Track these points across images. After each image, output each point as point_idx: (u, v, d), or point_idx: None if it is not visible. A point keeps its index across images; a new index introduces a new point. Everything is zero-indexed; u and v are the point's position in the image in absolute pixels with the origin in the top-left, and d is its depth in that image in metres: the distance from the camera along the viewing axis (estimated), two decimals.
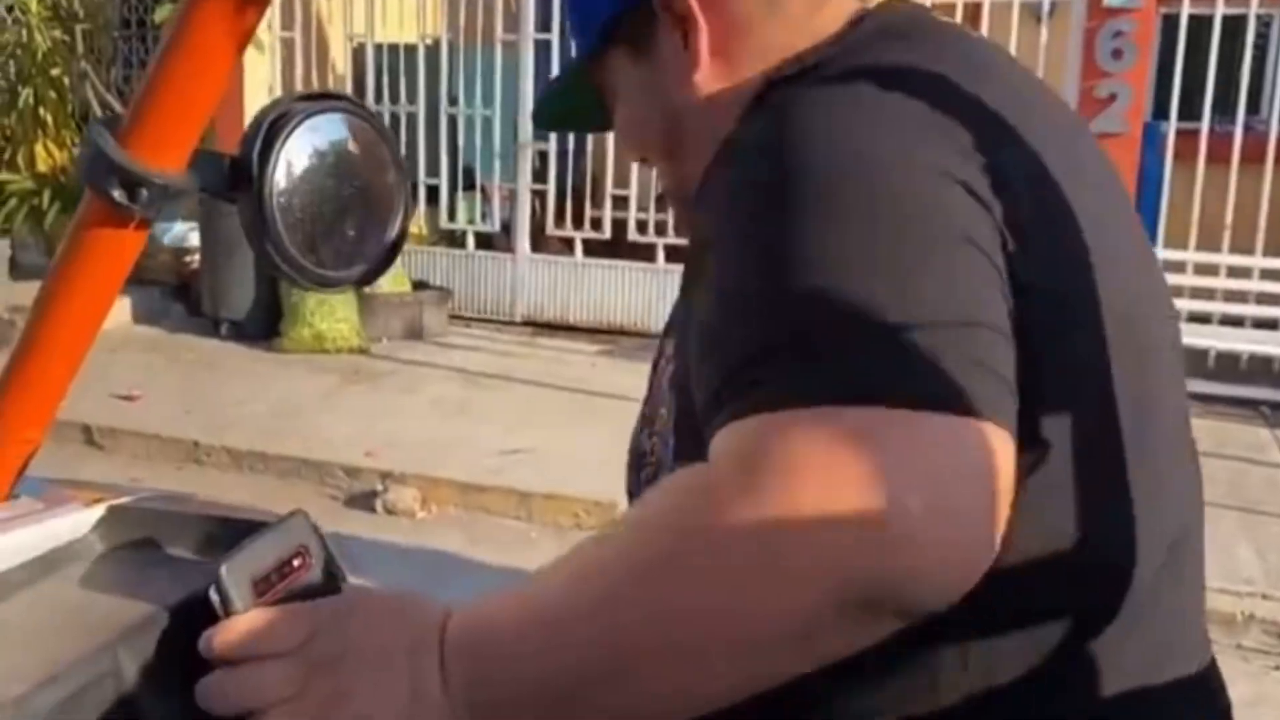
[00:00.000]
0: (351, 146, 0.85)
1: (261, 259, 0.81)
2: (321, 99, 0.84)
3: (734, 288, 0.68)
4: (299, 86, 7.06)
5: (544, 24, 6.83)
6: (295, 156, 0.81)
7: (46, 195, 7.31)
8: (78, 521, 0.84)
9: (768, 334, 0.65)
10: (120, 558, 0.82)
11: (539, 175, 7.03)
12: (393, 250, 0.90)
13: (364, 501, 4.48)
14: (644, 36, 0.84)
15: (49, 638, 0.72)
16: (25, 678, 0.64)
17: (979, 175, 0.68)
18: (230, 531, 0.81)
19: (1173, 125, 6.02)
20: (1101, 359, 0.73)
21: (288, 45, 7.24)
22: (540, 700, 0.64)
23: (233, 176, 0.80)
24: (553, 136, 6.82)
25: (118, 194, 0.75)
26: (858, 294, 0.64)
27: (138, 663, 0.70)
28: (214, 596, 0.68)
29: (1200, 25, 5.91)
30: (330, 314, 6.28)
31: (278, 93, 6.92)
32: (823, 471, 0.59)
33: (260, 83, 7.03)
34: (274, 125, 0.80)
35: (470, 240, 7.18)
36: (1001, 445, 0.62)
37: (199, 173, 0.80)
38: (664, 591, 0.61)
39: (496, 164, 7.09)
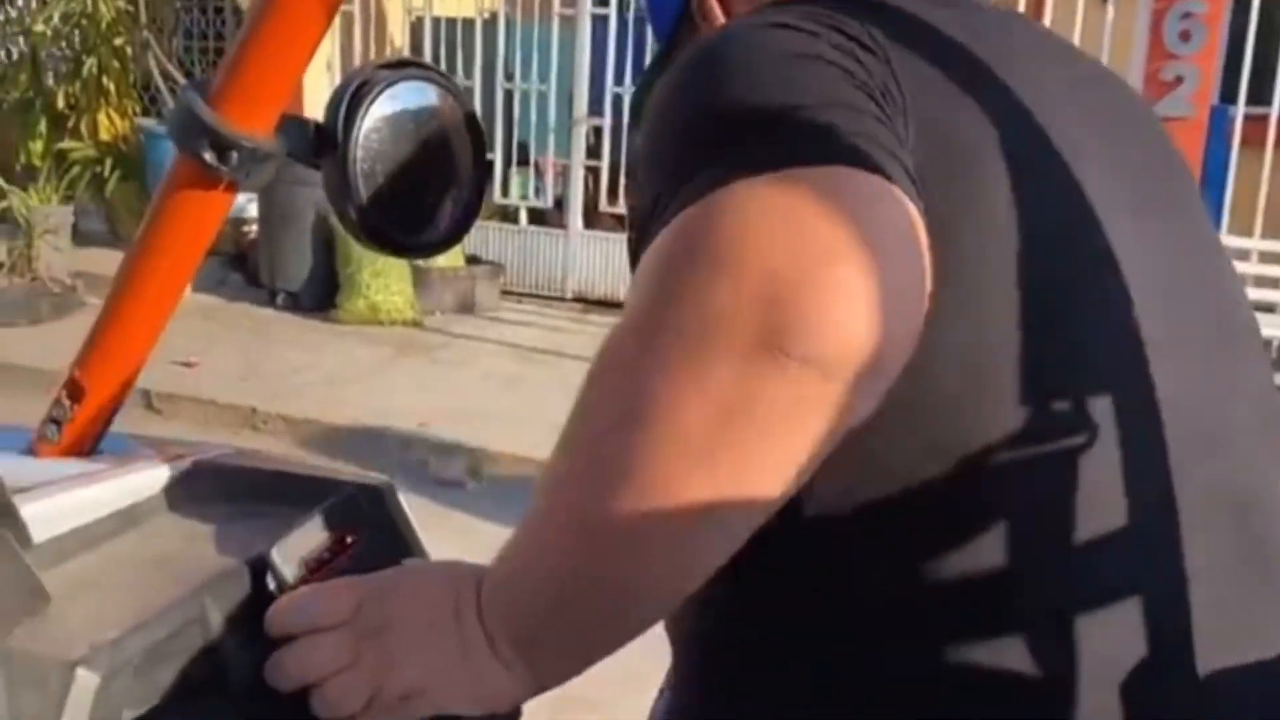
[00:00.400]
0: (432, 114, 0.87)
1: (344, 223, 0.82)
2: (404, 67, 0.86)
3: (647, 147, 0.72)
4: (357, 60, 7.10)
5: None
6: (378, 123, 0.83)
7: (108, 163, 7.42)
8: (160, 476, 0.86)
9: (673, 163, 0.67)
10: (202, 512, 0.84)
11: (593, 151, 7.02)
12: (468, 217, 0.91)
13: (417, 471, 4.53)
14: (693, 35, 0.88)
15: (136, 587, 0.74)
16: (118, 623, 0.66)
17: (876, 68, 0.70)
18: (308, 488, 0.83)
19: (1240, 110, 5.89)
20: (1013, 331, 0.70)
21: (346, 18, 7.27)
22: (557, 622, 0.66)
23: (318, 142, 0.82)
24: (608, 112, 6.81)
25: (208, 156, 0.77)
26: (753, 103, 0.67)
27: (222, 612, 0.72)
28: (269, 579, 0.70)
29: (1274, 7, 5.77)
30: (385, 287, 6.33)
31: (336, 66, 6.96)
32: (742, 229, 0.60)
33: (318, 55, 7.07)
34: (358, 92, 0.82)
35: (523, 216, 7.20)
36: (915, 210, 0.62)
37: (285, 137, 0.81)
38: (605, 411, 0.61)
39: (551, 139, 7.10)
